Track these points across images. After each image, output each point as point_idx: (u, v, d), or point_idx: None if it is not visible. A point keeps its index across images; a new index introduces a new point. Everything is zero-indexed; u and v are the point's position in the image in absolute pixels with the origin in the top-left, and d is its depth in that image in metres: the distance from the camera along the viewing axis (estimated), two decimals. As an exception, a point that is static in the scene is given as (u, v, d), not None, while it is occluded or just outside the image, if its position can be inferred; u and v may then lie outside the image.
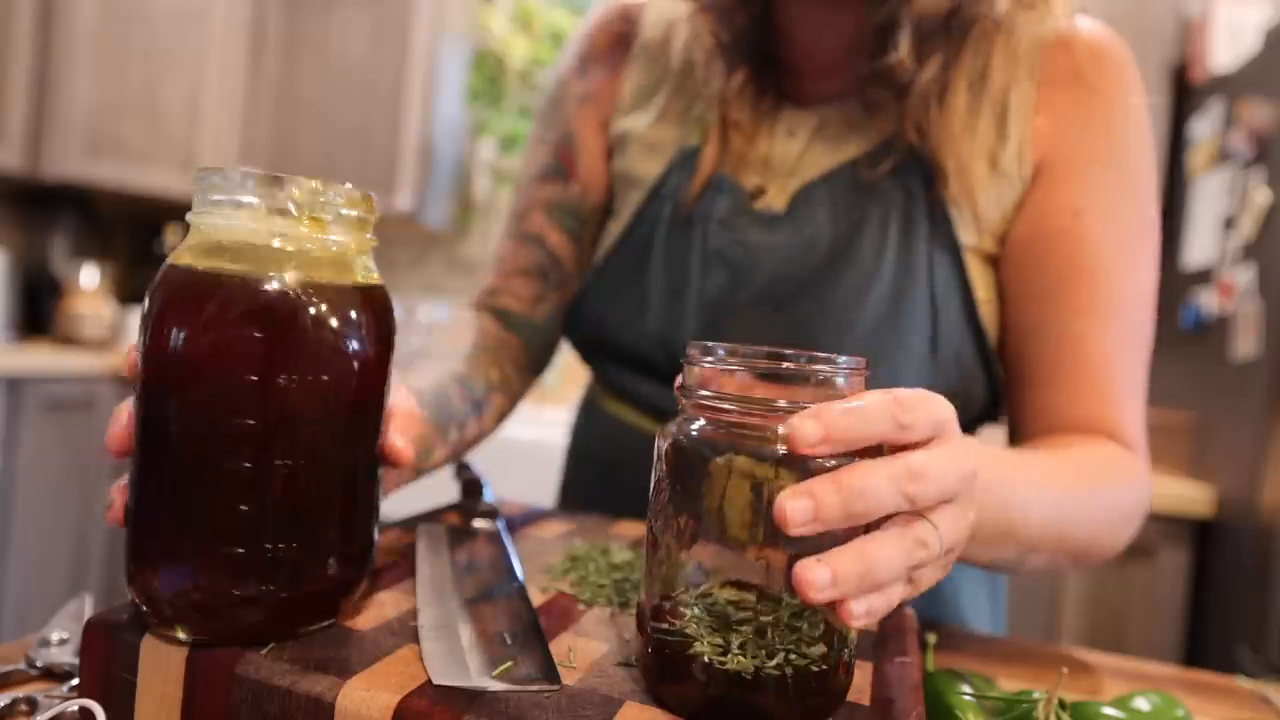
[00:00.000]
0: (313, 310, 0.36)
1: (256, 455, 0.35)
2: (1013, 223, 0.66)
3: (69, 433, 2.21)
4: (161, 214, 2.73)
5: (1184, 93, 2.13)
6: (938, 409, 0.36)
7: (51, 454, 2.16)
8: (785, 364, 0.33)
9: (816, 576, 0.31)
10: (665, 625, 0.34)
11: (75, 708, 0.35)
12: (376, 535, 0.42)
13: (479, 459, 0.74)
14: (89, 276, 2.50)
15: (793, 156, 0.70)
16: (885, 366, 0.64)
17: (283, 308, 0.35)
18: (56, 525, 2.20)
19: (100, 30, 2.41)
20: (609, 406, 0.78)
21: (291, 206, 0.36)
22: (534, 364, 0.82)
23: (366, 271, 0.39)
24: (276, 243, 0.36)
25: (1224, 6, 2.05)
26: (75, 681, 0.41)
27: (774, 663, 0.32)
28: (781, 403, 0.33)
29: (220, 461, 0.35)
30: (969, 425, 0.70)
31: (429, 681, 0.33)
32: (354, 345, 0.37)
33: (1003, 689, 0.49)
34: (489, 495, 0.61)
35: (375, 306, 0.39)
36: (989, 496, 0.46)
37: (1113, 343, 0.64)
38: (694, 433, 0.34)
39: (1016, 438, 0.68)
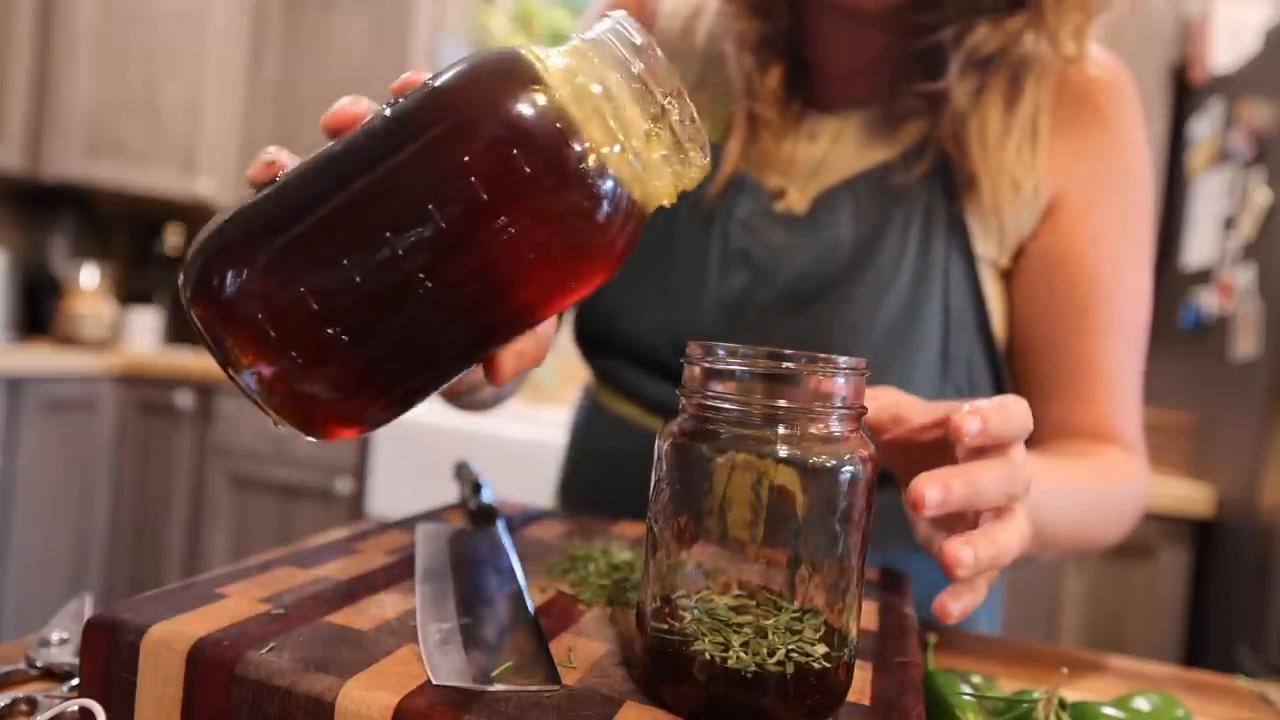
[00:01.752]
0: (575, 180, 0.33)
1: (409, 249, 0.33)
2: (1027, 243, 0.68)
3: (69, 433, 2.21)
4: (161, 214, 2.73)
5: (1184, 93, 2.13)
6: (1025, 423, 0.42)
7: (51, 454, 2.16)
8: (785, 364, 0.33)
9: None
10: (665, 625, 0.34)
11: (75, 708, 0.35)
12: (416, 407, 0.39)
13: (479, 459, 0.74)
14: (89, 276, 2.50)
15: (814, 160, 0.70)
16: (898, 370, 0.65)
17: (561, 156, 0.33)
18: (56, 525, 2.20)
19: (100, 30, 2.41)
20: (611, 404, 0.78)
21: (662, 103, 0.34)
22: None
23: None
24: (614, 123, 0.34)
25: (1224, 6, 2.05)
26: (75, 681, 0.41)
27: (774, 661, 0.32)
28: (782, 402, 0.33)
29: (377, 227, 0.33)
30: None
31: (429, 681, 0.33)
32: (568, 239, 0.34)
33: (1003, 689, 0.49)
34: (489, 495, 0.61)
35: (627, 233, 0.35)
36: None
37: (1121, 357, 0.67)
38: (694, 433, 0.34)
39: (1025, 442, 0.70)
